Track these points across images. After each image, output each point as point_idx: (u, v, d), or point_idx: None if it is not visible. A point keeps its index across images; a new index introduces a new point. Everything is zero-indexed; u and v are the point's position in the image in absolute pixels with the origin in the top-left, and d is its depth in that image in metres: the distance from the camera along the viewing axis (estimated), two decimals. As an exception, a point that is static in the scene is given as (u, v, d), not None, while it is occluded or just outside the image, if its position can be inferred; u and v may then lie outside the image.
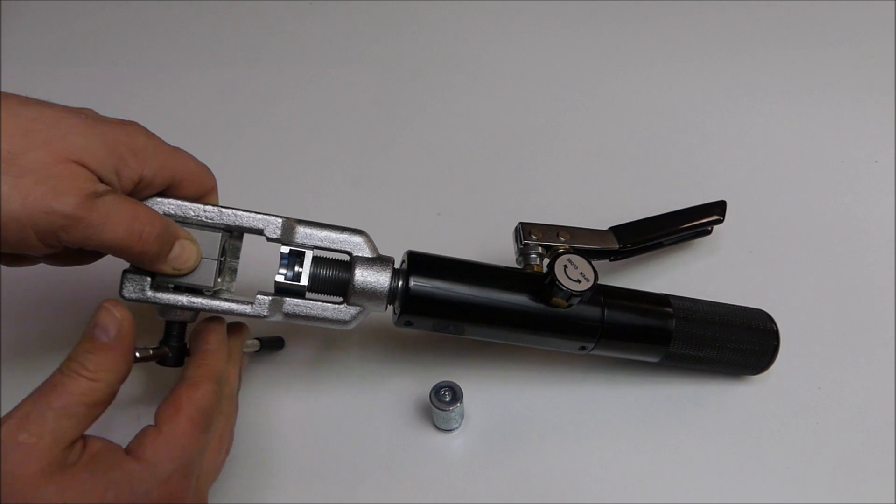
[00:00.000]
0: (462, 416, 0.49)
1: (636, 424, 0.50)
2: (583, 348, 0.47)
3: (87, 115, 0.37)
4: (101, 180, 0.36)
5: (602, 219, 0.55)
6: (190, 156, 0.41)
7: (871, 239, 0.60)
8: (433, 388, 0.47)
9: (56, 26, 0.79)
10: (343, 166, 0.66)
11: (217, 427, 0.40)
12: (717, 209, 0.57)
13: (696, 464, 0.48)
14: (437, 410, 0.47)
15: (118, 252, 0.37)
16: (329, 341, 0.54)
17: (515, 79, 0.74)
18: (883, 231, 0.61)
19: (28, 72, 0.73)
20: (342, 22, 0.79)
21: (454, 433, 0.50)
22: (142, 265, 0.38)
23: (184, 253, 0.39)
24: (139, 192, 0.39)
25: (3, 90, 0.35)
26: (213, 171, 0.43)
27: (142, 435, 0.36)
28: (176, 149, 0.40)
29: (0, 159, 0.33)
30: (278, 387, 0.52)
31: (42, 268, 0.44)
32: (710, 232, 0.58)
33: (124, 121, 0.38)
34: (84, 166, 0.35)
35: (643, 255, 0.57)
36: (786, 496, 0.47)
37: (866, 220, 0.62)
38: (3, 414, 0.33)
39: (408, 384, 0.51)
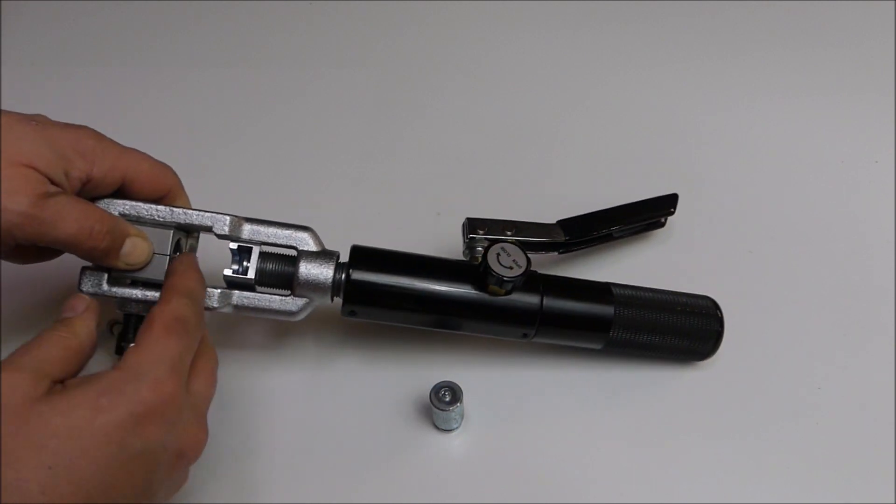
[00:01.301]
0: (462, 416, 0.49)
1: (639, 423, 0.50)
2: (524, 335, 0.48)
3: (38, 122, 0.39)
4: (52, 182, 0.38)
5: (602, 219, 0.55)
6: (145, 156, 0.43)
7: (871, 239, 0.60)
8: (433, 389, 0.47)
9: (56, 26, 0.79)
10: (343, 166, 0.66)
11: (197, 343, 0.40)
12: (669, 202, 0.58)
13: (702, 470, 0.49)
14: (437, 410, 0.47)
15: (70, 248, 0.39)
16: (330, 341, 0.54)
17: (515, 79, 0.74)
18: (883, 231, 0.61)
19: (28, 72, 0.73)
20: (342, 22, 0.79)
21: (454, 433, 0.50)
22: (94, 260, 0.41)
23: (135, 249, 0.42)
24: (90, 191, 0.41)
25: (2, 90, 0.36)
26: (212, 172, 0.43)
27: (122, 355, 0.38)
28: (128, 149, 0.42)
29: None
30: (272, 382, 0.51)
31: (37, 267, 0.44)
32: (663, 224, 0.59)
33: (74, 125, 0.41)
34: (35, 169, 0.37)
35: (609, 248, 0.58)
36: (786, 496, 0.47)
37: (866, 221, 0.62)
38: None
39: (407, 383, 0.51)
